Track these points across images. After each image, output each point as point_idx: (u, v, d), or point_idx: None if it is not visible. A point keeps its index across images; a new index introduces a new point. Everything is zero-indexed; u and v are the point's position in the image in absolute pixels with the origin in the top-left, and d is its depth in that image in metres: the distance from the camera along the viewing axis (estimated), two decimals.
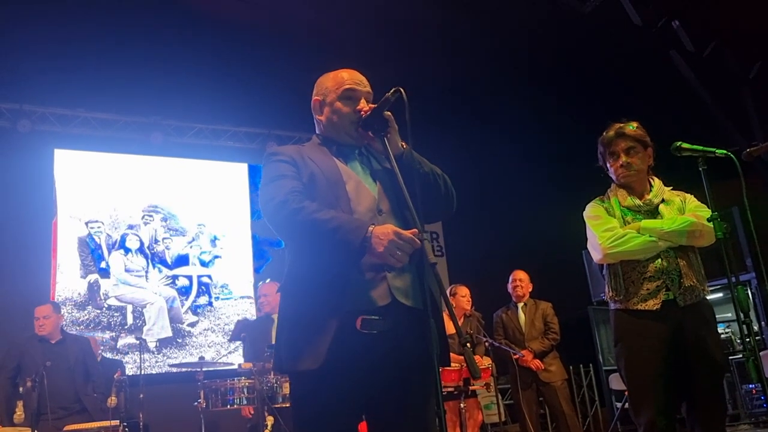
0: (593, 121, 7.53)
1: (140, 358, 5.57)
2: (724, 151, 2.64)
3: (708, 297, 2.93)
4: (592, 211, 3.07)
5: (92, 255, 7.40)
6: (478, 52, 7.14)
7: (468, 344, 1.90)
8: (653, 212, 2.96)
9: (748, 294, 2.55)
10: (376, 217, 2.08)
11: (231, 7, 6.51)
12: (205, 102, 7.66)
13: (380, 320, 2.01)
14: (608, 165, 3.06)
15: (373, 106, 2.18)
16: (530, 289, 5.97)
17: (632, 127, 2.98)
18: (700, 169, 2.68)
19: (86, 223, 7.44)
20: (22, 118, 7.15)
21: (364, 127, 2.18)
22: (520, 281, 5.95)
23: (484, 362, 5.13)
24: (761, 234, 2.84)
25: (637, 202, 2.98)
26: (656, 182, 3.03)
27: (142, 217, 7.79)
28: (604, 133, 3.05)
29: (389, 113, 2.15)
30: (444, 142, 8.15)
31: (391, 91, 2.09)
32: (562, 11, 6.36)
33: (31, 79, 6.76)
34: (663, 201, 2.97)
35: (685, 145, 2.75)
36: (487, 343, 5.25)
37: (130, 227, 7.69)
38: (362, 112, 2.18)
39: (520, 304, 5.92)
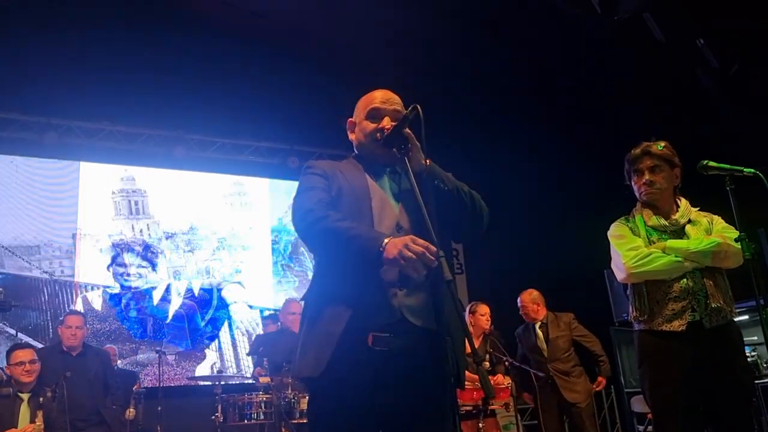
0: (615, 140, 7.48)
1: (159, 370, 5.58)
2: (753, 170, 2.59)
3: (735, 319, 2.87)
4: (616, 231, 3.04)
5: (113, 267, 7.45)
6: (496, 69, 7.13)
7: (482, 364, 1.88)
8: (679, 232, 2.92)
9: None
10: (395, 235, 2.08)
11: (254, 24, 6.57)
12: (228, 117, 7.74)
13: (391, 338, 2.02)
14: (633, 182, 3.03)
15: (394, 124, 2.20)
16: (540, 309, 5.66)
17: (660, 146, 2.96)
18: (728, 188, 2.64)
19: (108, 236, 7.51)
20: (49, 131, 7.25)
21: (386, 145, 2.20)
22: (524, 306, 5.67)
23: (504, 382, 5.07)
24: None
25: (663, 221, 2.95)
26: (683, 202, 2.99)
27: (164, 231, 7.84)
28: (632, 151, 3.03)
29: (409, 131, 2.16)
30: (465, 160, 8.14)
31: (409, 108, 2.13)
32: (584, 28, 6.33)
33: (57, 93, 6.87)
34: (690, 221, 2.93)
35: (712, 164, 2.72)
36: (507, 363, 5.17)
37: (147, 241, 7.74)
38: (384, 130, 2.21)
39: (537, 324, 5.65)
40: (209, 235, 8.07)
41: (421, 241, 1.92)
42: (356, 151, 2.37)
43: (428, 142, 2.13)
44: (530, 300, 5.67)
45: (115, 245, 7.52)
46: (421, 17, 6.58)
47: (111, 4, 6.18)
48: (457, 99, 7.47)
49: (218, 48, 6.76)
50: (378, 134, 2.23)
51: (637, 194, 3.04)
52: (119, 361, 6.73)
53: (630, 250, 2.93)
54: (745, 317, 6.26)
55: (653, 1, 6.66)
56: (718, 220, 2.96)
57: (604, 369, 5.56)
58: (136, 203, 7.76)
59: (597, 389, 5.61)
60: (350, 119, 2.38)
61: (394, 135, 2.17)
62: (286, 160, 8.41)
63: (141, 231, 7.72)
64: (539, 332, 5.60)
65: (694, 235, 2.88)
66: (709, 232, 2.90)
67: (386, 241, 1.94)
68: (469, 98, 7.59)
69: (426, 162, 2.17)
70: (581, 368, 5.54)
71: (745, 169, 2.63)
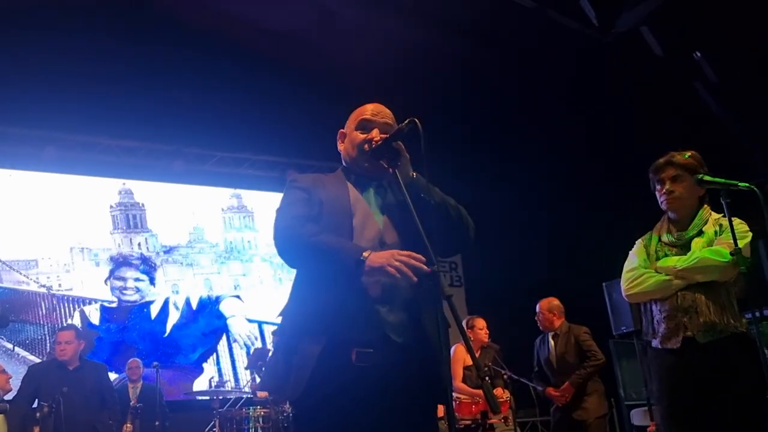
0: (612, 153, 7.51)
1: (157, 383, 5.55)
2: (747, 184, 2.59)
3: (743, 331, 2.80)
4: (633, 249, 3.06)
5: (111, 281, 7.44)
6: (499, 82, 7.16)
7: (487, 378, 1.88)
8: (686, 246, 2.89)
9: None
10: (377, 249, 2.04)
11: (253, 39, 6.60)
12: (227, 130, 7.74)
13: (374, 354, 2.00)
14: (656, 192, 3.01)
15: (385, 136, 2.18)
16: (556, 320, 5.43)
17: (685, 156, 2.91)
18: (723, 201, 2.63)
19: (106, 250, 7.51)
20: (48, 145, 7.25)
21: (374, 157, 2.18)
22: (540, 314, 5.48)
23: (503, 395, 5.03)
24: None
25: (672, 237, 2.93)
26: (700, 214, 2.91)
27: (162, 245, 7.84)
28: (657, 161, 3.00)
29: (399, 143, 2.14)
30: (464, 172, 8.15)
31: (406, 121, 2.10)
32: (583, 41, 6.37)
33: (56, 107, 6.87)
34: (701, 233, 2.88)
35: (707, 178, 2.72)
36: (505, 376, 5.14)
37: (146, 255, 7.74)
38: (373, 141, 2.19)
39: (551, 334, 5.42)
40: (207, 248, 8.07)
41: (404, 252, 1.91)
42: (344, 163, 2.35)
43: (416, 154, 2.11)
44: (547, 308, 5.48)
45: (113, 259, 7.51)
46: (420, 31, 6.62)
47: (111, 19, 6.21)
48: (456, 113, 7.49)
49: (217, 62, 6.79)
50: (366, 145, 2.20)
51: (660, 204, 3.02)
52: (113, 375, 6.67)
53: (627, 271, 2.98)
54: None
55: (650, 15, 6.71)
56: (728, 229, 2.81)
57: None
58: (135, 217, 7.76)
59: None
60: (341, 130, 2.36)
61: (384, 147, 2.15)
62: (285, 173, 8.42)
63: (139, 245, 7.71)
64: (551, 343, 5.40)
65: (695, 248, 2.86)
66: (711, 244, 2.85)
67: (366, 254, 1.93)
68: (469, 110, 7.61)
69: (413, 175, 2.16)
70: (595, 385, 5.24)
71: (740, 183, 2.62)
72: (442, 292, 1.89)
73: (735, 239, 2.56)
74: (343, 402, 1.96)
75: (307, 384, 1.94)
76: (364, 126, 2.25)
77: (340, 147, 2.34)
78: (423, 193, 2.11)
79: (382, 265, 1.89)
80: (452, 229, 2.19)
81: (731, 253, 2.57)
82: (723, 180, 2.67)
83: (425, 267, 1.89)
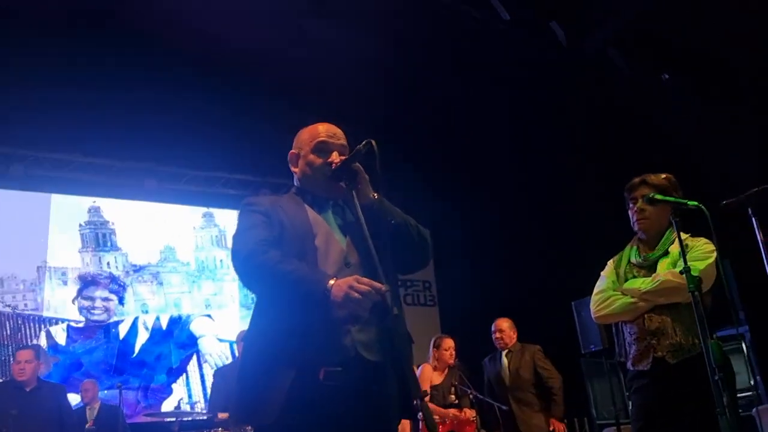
0: (580, 173, 7.56)
1: (120, 405, 5.45)
2: (696, 203, 2.61)
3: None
4: (604, 271, 3.09)
5: (79, 300, 7.33)
6: (464, 101, 7.21)
7: (425, 399, 1.88)
8: (652, 267, 2.92)
9: (721, 348, 2.49)
10: (342, 270, 2.07)
11: (226, 57, 6.59)
12: (200, 148, 7.70)
13: (342, 373, 1.99)
14: (629, 211, 3.03)
15: (344, 158, 2.19)
16: (514, 337, 5.65)
17: (660, 178, 2.94)
18: (672, 220, 2.66)
19: (75, 269, 7.41)
20: (15, 162, 7.16)
21: (334, 179, 2.18)
22: (501, 332, 5.62)
23: (469, 415, 5.02)
24: (751, 285, 2.81)
25: (639, 259, 2.96)
26: (667, 235, 2.93)
27: (132, 264, 7.75)
28: (632, 180, 3.02)
29: (358, 165, 2.15)
30: (436, 193, 8.19)
31: (363, 143, 2.12)
32: (550, 60, 6.44)
33: (24, 123, 6.81)
34: (666, 254, 2.90)
35: (658, 196, 2.76)
36: (471, 396, 5.13)
37: (115, 274, 7.65)
38: (333, 165, 2.20)
39: (504, 352, 5.60)
40: (179, 267, 7.99)
41: (365, 279, 1.91)
42: (297, 183, 2.34)
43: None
44: (508, 326, 5.65)
45: (81, 278, 7.41)
46: (389, 50, 6.66)
47: (80, 36, 6.17)
48: (426, 133, 7.53)
49: (190, 80, 6.76)
50: (326, 169, 2.21)
51: (631, 224, 3.04)
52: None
53: (596, 293, 3.02)
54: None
55: (619, 36, 6.81)
56: (696, 247, 2.87)
57: (556, 410, 5.42)
58: (104, 235, 7.68)
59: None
60: (292, 151, 2.34)
61: (343, 169, 2.16)
62: (258, 192, 8.37)
63: (108, 263, 7.62)
64: (505, 360, 5.54)
65: (661, 270, 2.88)
66: (675, 264, 2.86)
67: (331, 283, 1.93)
68: (438, 132, 7.65)
69: (374, 196, 2.16)
70: (542, 403, 5.44)
71: (689, 202, 2.65)
72: (389, 311, 1.92)
73: (684, 258, 2.57)
74: (313, 423, 1.95)
75: (281, 409, 1.93)
76: (322, 149, 2.25)
77: (294, 169, 2.33)
78: (385, 214, 2.14)
79: (343, 300, 1.89)
80: (413, 247, 2.22)
81: (681, 272, 2.57)
82: (673, 198, 2.71)
83: (383, 288, 1.90)
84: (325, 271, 2.05)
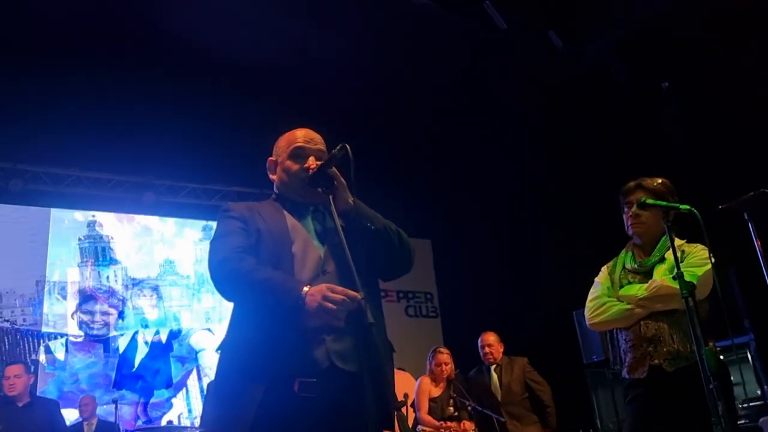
0: (582, 182, 7.49)
1: (116, 420, 5.41)
2: (688, 207, 2.56)
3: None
4: (598, 277, 3.03)
5: (78, 315, 7.31)
6: (463, 113, 7.19)
7: (401, 409, 1.85)
8: (648, 274, 2.85)
9: (717, 356, 2.43)
10: (319, 278, 2.04)
11: (225, 69, 6.59)
12: (198, 162, 7.70)
13: (317, 383, 1.95)
14: (623, 216, 2.96)
15: (320, 163, 2.16)
16: (501, 350, 5.59)
17: (656, 182, 2.88)
18: (665, 225, 2.61)
19: (74, 283, 7.39)
20: (14, 177, 7.16)
21: (311, 185, 2.16)
22: (489, 346, 5.55)
23: (468, 427, 4.97)
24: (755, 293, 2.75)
25: (634, 264, 2.90)
26: (663, 240, 2.85)
27: (131, 278, 7.73)
28: (627, 184, 2.96)
29: (334, 170, 2.13)
30: (437, 205, 8.16)
31: (338, 147, 2.09)
32: (545, 70, 6.42)
33: (23, 138, 6.82)
34: (663, 260, 2.83)
35: (650, 201, 2.71)
36: (470, 407, 5.06)
37: (114, 288, 7.62)
38: (309, 170, 2.17)
39: (493, 366, 5.54)
40: (178, 280, 7.96)
41: (338, 288, 1.88)
42: (276, 190, 2.31)
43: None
44: (495, 340, 5.60)
45: (80, 292, 7.38)
46: (387, 63, 6.66)
47: (77, 50, 6.19)
48: (421, 141, 7.51)
49: (188, 92, 6.76)
50: (303, 174, 2.18)
51: (626, 229, 2.98)
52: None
53: (591, 300, 2.95)
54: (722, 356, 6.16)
55: (618, 45, 6.79)
56: (693, 254, 2.81)
57: (550, 421, 5.38)
58: (103, 249, 7.66)
59: None
60: (270, 158, 2.32)
61: (320, 174, 2.13)
62: None
63: (108, 278, 7.60)
64: (494, 374, 5.49)
65: (657, 276, 2.82)
66: (671, 270, 2.82)
67: (305, 290, 1.90)
68: (433, 141, 7.63)
69: (352, 201, 2.13)
70: (534, 416, 5.39)
71: (681, 206, 2.60)
72: (366, 320, 1.89)
73: (677, 264, 2.51)
74: None
75: (253, 421, 1.89)
76: (298, 154, 2.23)
77: (272, 177, 2.31)
78: (364, 219, 2.10)
79: (317, 309, 1.87)
80: (394, 253, 2.18)
81: (673, 278, 2.52)
82: (664, 203, 2.66)
83: (358, 296, 1.88)
84: (301, 278, 2.02)
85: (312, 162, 2.19)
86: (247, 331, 2.03)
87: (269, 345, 1.94)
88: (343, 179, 2.14)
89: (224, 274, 2.04)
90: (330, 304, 1.85)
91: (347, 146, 2.05)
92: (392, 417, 2.02)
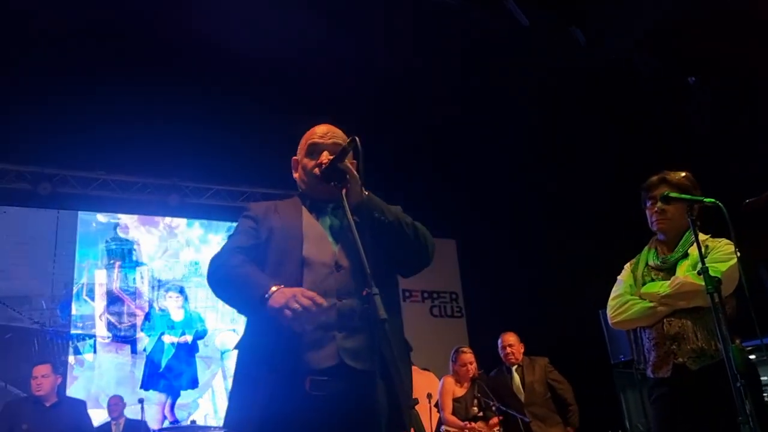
0: (608, 178, 7.37)
1: (142, 418, 5.46)
2: (713, 200, 2.49)
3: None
4: (621, 275, 2.98)
5: (106, 316, 7.40)
6: (487, 110, 7.13)
7: (415, 406, 1.83)
8: (671, 270, 2.79)
9: (744, 353, 2.36)
10: (333, 274, 2.04)
11: (249, 70, 6.62)
12: (222, 163, 7.75)
13: (329, 381, 1.94)
14: (646, 211, 2.91)
15: (331, 158, 2.14)
16: (522, 350, 5.53)
17: (680, 176, 2.83)
18: (689, 219, 2.53)
19: (101, 285, 7.48)
20: (43, 181, 7.28)
21: (324, 180, 2.14)
22: (511, 346, 5.48)
23: (494, 422, 4.95)
24: None
25: (657, 261, 2.84)
26: (686, 235, 2.79)
27: (158, 279, 7.80)
28: (650, 178, 2.91)
29: (347, 163, 2.11)
30: (461, 204, 8.10)
31: (348, 140, 2.08)
32: (565, 60, 6.33)
33: (50, 143, 6.93)
34: (686, 255, 2.77)
35: (673, 194, 2.64)
36: (494, 407, 5.01)
37: (141, 290, 7.70)
38: (322, 165, 2.16)
39: (514, 367, 5.47)
40: (203, 282, 8.00)
41: (309, 293, 1.87)
42: (300, 189, 2.32)
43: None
44: (516, 340, 5.54)
45: (108, 294, 7.47)
46: (407, 61, 6.62)
47: (103, 53, 6.26)
48: (446, 140, 7.45)
49: (213, 94, 6.81)
50: (316, 170, 2.17)
51: (649, 224, 2.92)
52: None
53: (613, 298, 2.90)
54: (752, 357, 6.02)
55: (643, 38, 6.66)
56: (717, 248, 2.73)
57: (573, 419, 5.32)
58: (130, 251, 7.75)
59: None
60: (294, 157, 2.33)
61: (332, 169, 2.11)
62: None
63: (134, 279, 7.68)
64: (516, 375, 5.42)
65: (680, 273, 2.75)
66: (695, 266, 2.72)
67: (273, 289, 1.89)
68: (457, 140, 7.57)
69: (364, 194, 2.10)
70: (558, 417, 5.32)
71: (705, 199, 2.53)
72: (377, 315, 1.83)
73: (702, 259, 2.44)
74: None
75: (264, 417, 1.89)
76: (313, 150, 2.23)
77: (295, 175, 2.32)
78: (376, 212, 2.07)
79: (281, 308, 1.84)
80: (408, 246, 2.14)
81: (698, 273, 2.45)
82: (688, 196, 2.59)
83: (325, 303, 1.88)
84: (311, 277, 2.01)
85: (325, 157, 2.17)
86: (261, 330, 2.03)
87: (282, 344, 1.94)
88: (356, 172, 2.11)
89: (211, 270, 2.10)
90: (296, 305, 1.83)
91: (356, 138, 2.03)
92: (405, 416, 1.99)
